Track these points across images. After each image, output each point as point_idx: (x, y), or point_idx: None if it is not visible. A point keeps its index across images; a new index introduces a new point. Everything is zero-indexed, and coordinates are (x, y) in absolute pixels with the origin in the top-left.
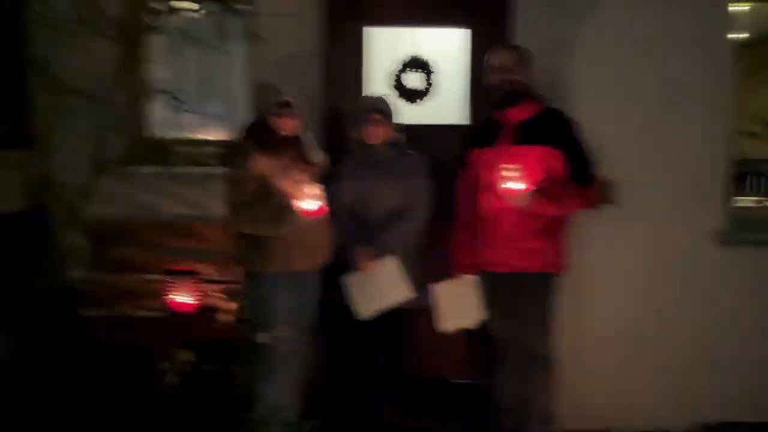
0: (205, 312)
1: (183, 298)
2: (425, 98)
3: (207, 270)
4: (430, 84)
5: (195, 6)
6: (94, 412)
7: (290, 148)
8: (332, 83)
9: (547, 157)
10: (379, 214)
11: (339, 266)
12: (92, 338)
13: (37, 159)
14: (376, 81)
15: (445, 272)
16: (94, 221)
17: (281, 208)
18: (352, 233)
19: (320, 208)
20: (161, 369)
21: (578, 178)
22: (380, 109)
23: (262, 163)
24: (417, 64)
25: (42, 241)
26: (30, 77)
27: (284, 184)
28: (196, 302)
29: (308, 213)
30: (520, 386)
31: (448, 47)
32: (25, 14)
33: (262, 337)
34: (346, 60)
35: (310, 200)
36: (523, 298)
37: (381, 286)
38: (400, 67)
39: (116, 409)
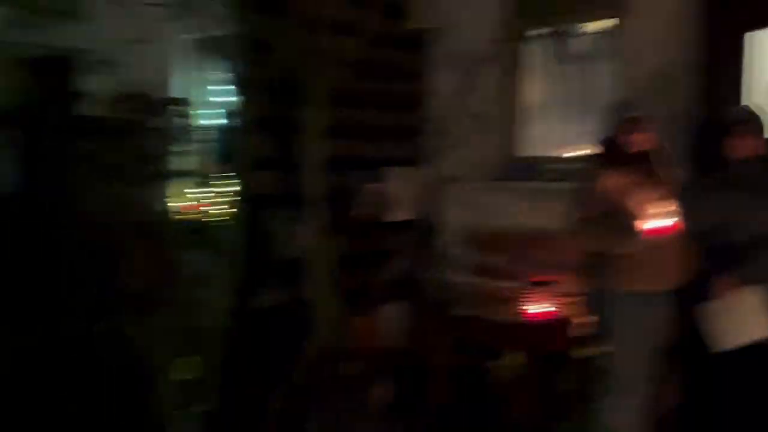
0: (558, 323)
1: (540, 307)
2: None
3: (566, 282)
4: None
5: (570, 27)
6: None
7: (639, 165)
8: (707, 95)
9: None
10: (745, 238)
11: (696, 291)
12: (457, 335)
13: (424, 174)
14: (760, 90)
15: None
16: (469, 230)
17: (624, 226)
18: (711, 257)
19: (668, 228)
20: (492, 368)
21: None
22: (747, 120)
23: (609, 180)
24: None
25: (426, 246)
26: (424, 105)
27: (629, 201)
28: (552, 312)
29: (654, 232)
30: None
31: None
32: (425, 52)
33: (604, 355)
34: (724, 69)
35: (656, 219)
36: None
37: (740, 319)
38: None
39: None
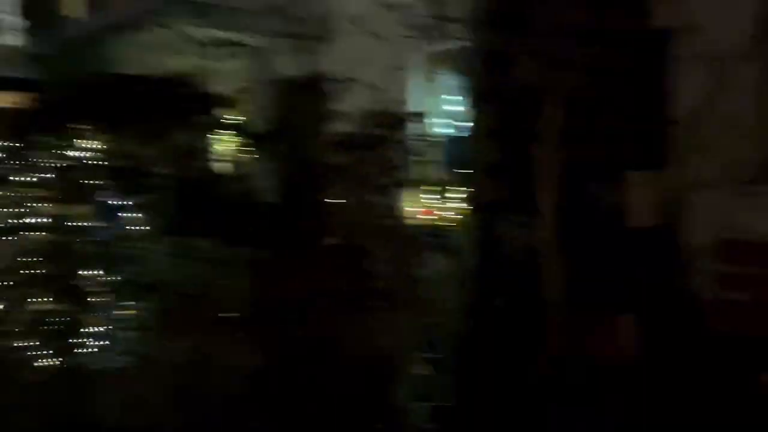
0: None
1: None
2: None
3: None
4: None
5: None
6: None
7: None
8: None
9: None
10: None
11: None
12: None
13: (670, 179)
14: None
15: None
16: (720, 238)
17: None
18: None
19: None
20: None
21: None
22: None
23: None
24: None
25: (672, 255)
26: (670, 107)
27: None
28: None
29: None
30: None
31: None
32: (671, 51)
33: None
34: None
35: None
36: None
37: None
38: None
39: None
